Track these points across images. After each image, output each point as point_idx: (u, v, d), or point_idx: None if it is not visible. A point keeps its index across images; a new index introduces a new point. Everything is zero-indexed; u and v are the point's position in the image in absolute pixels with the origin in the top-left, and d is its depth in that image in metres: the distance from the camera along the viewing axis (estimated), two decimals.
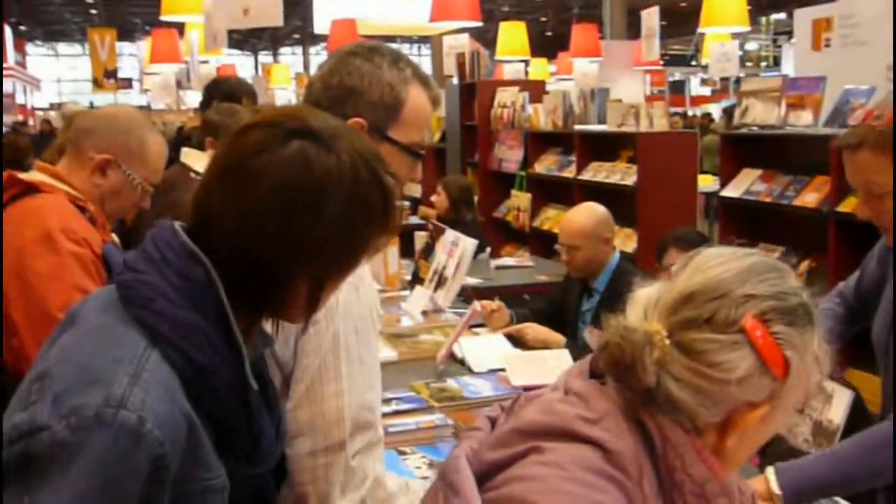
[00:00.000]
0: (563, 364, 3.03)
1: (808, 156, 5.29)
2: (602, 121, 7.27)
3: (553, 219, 7.46)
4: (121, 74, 25.98)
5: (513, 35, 14.09)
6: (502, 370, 3.01)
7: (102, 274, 2.15)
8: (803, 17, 7.29)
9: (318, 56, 34.78)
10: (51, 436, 1.04)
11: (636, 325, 1.19)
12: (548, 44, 24.26)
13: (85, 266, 2.09)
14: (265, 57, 33.44)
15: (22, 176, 2.24)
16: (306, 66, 30.31)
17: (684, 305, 1.19)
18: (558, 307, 3.98)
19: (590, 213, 3.82)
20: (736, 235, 5.73)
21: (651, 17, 9.83)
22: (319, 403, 1.51)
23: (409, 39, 34.13)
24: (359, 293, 1.54)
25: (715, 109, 15.49)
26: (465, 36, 11.85)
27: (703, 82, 25.94)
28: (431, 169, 10.29)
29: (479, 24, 9.15)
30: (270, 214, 1.16)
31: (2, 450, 1.06)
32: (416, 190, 9.96)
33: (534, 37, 15.04)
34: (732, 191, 5.63)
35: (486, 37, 13.21)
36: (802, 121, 5.30)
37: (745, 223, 5.71)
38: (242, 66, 24.50)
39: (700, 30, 12.03)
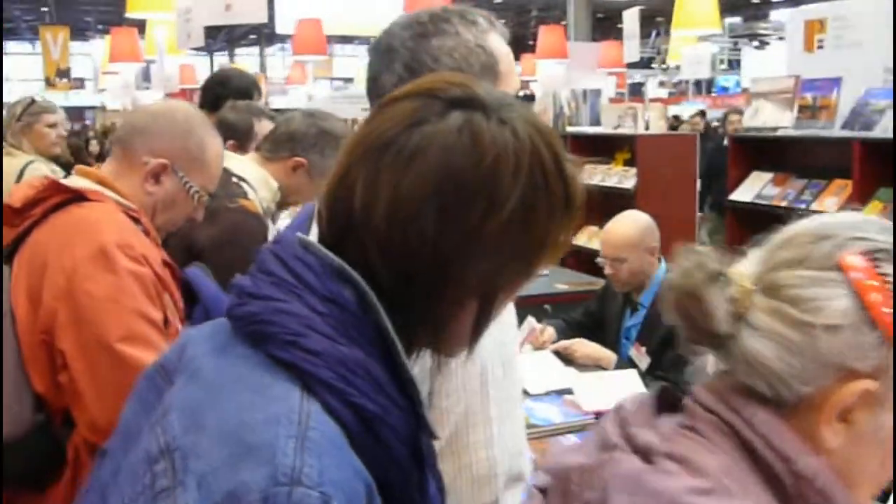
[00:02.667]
0: (633, 386, 2.80)
1: (823, 159, 5.14)
2: (595, 122, 7.08)
3: None
4: (73, 74, 25.33)
5: None
6: (565, 391, 2.77)
7: (164, 298, 1.85)
8: (795, 19, 7.17)
9: (274, 56, 34.35)
10: None
11: (714, 264, 0.94)
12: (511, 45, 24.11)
13: (146, 287, 1.80)
14: (220, 57, 32.86)
15: (64, 181, 1.93)
16: (263, 66, 29.85)
17: (780, 249, 0.97)
18: (596, 320, 3.74)
19: (634, 221, 3.56)
20: (746, 240, 5.56)
21: (632, 19, 9.66)
22: (466, 455, 1.27)
23: (367, 41, 33.87)
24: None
25: (678, 111, 15.43)
26: None
27: (661, 84, 26.06)
28: None
29: None
30: (432, 206, 0.88)
31: None
32: None
33: None
34: (743, 194, 5.46)
35: None
36: (816, 124, 5.14)
37: (756, 228, 5.52)
38: (198, 67, 23.96)
39: (673, 32, 11.93)
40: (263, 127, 3.06)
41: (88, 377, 1.73)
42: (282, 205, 2.82)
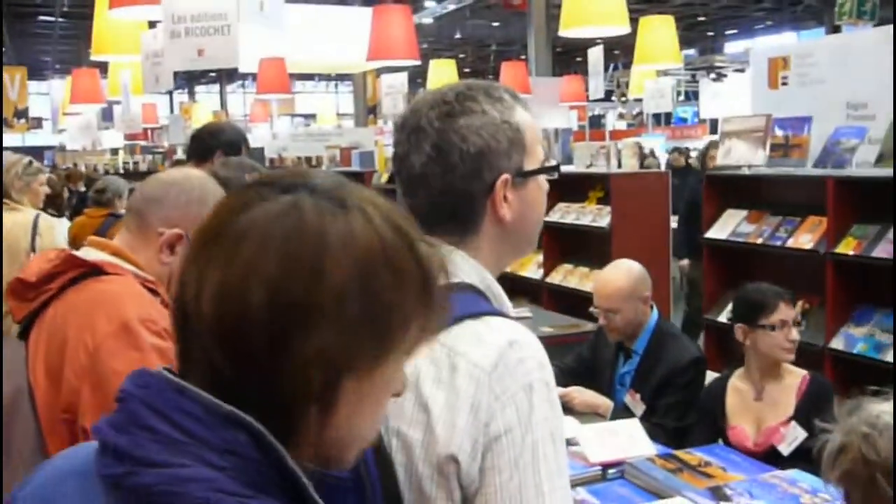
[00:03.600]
0: (637, 436, 2.81)
1: (796, 196, 5.22)
2: (567, 161, 7.15)
3: (523, 263, 7.27)
4: (31, 114, 25.07)
5: (443, 73, 13.97)
6: (568, 442, 2.77)
7: None
8: (759, 56, 7.31)
9: (235, 94, 34.30)
10: None
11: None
12: None
13: (169, 362, 1.77)
14: (180, 96, 32.73)
15: (81, 254, 1.91)
16: (223, 104, 29.72)
17: None
18: (589, 366, 3.75)
19: (627, 272, 3.55)
20: (722, 277, 5.63)
21: (597, 56, 9.79)
22: None
23: (327, 77, 33.97)
24: (549, 390, 1.29)
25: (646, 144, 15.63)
26: (404, 75, 11.72)
27: (621, 116, 26.35)
28: None
29: (418, 62, 8.95)
30: (258, 282, 0.84)
31: None
32: None
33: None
34: (718, 232, 5.53)
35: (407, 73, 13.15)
36: (789, 161, 5.23)
37: (730, 265, 5.61)
38: (159, 105, 23.85)
39: (635, 66, 12.08)
40: None
41: None
42: None
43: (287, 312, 0.84)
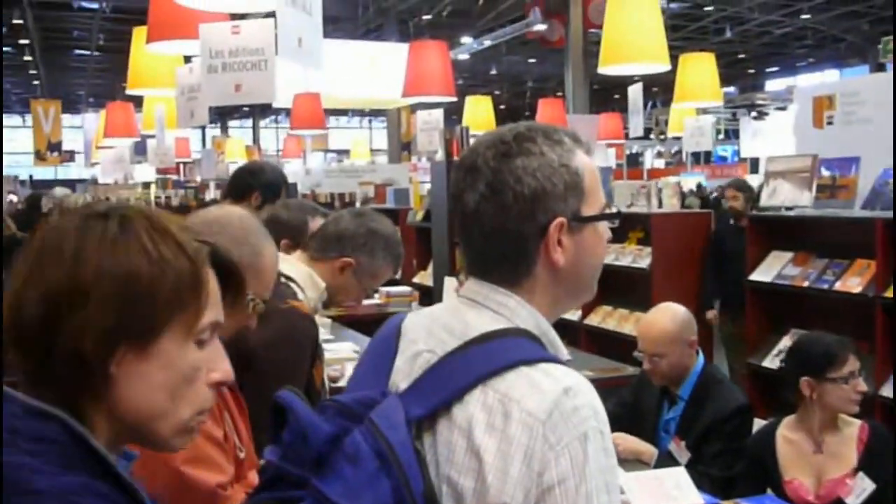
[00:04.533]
0: (684, 484, 2.76)
1: (844, 238, 5.17)
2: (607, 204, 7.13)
3: None
4: (63, 147, 25.52)
5: (479, 109, 14.03)
6: None
7: (223, 413, 1.83)
8: (803, 94, 7.27)
9: (268, 129, 34.67)
10: None
11: None
12: (504, 118, 24.44)
13: (213, 416, 1.78)
14: (213, 130, 33.13)
15: None
16: (255, 138, 30.07)
17: None
18: (632, 411, 3.71)
19: (673, 316, 3.51)
20: (767, 321, 5.56)
21: (636, 94, 9.79)
22: None
23: (360, 112, 34.24)
24: (604, 438, 1.27)
25: (682, 183, 15.58)
26: (440, 111, 11.78)
27: (659, 154, 26.31)
28: (416, 247, 10.07)
29: (453, 98, 9.02)
30: (32, 283, 1.06)
31: None
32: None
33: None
34: (762, 275, 5.48)
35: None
36: (836, 203, 5.18)
37: (775, 308, 5.55)
38: (192, 139, 24.14)
39: (674, 104, 12.06)
40: (316, 223, 3.07)
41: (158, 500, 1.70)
42: (327, 304, 2.82)
43: (55, 298, 1.04)
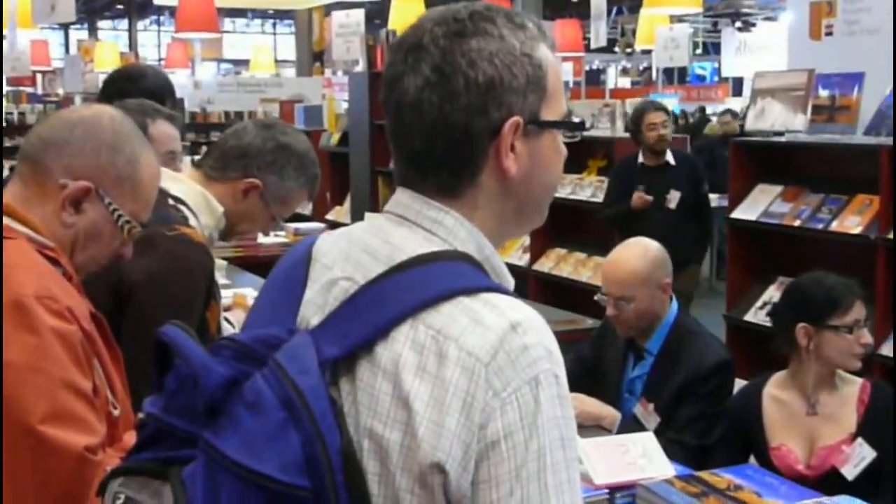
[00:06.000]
0: (651, 453, 2.80)
1: (844, 170, 5.25)
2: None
3: (505, 247, 7.27)
4: None
5: (409, 9, 13.86)
6: None
7: (93, 362, 1.79)
8: (798, 2, 7.34)
9: (148, 33, 33.98)
10: None
11: None
12: None
13: (73, 350, 1.74)
14: (78, 32, 32.35)
15: None
16: (132, 43, 29.44)
17: None
18: (591, 370, 3.74)
19: (644, 252, 3.53)
20: (750, 266, 5.65)
21: None
22: None
23: (262, 14, 33.72)
24: (559, 385, 1.27)
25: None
26: (361, 12, 11.65)
27: (624, 71, 26.44)
28: (330, 178, 10.02)
29: None
30: None
31: None
32: (305, 206, 9.67)
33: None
34: (747, 212, 5.55)
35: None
36: (835, 127, 5.25)
37: (760, 252, 5.63)
38: (52, 43, 23.58)
39: (644, 10, 12.11)
40: (160, 130, 3.00)
41: (6, 467, 1.67)
42: (227, 234, 2.78)
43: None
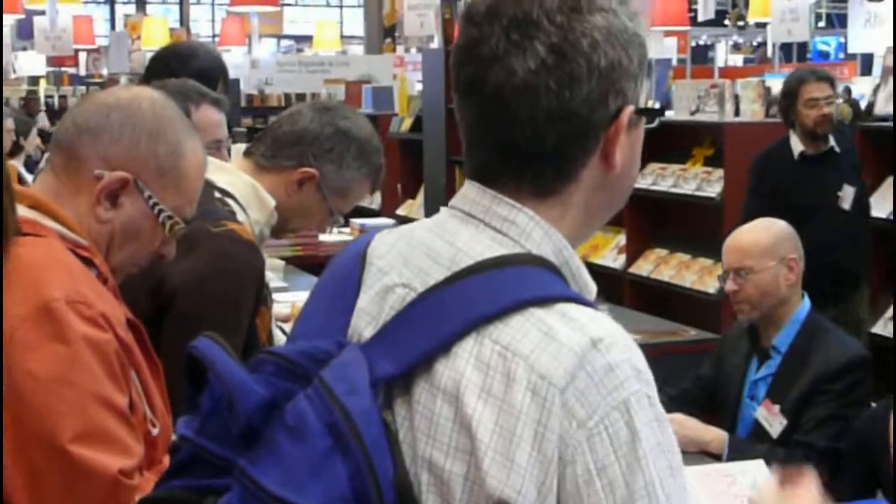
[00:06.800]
0: (760, 483, 2.77)
1: None
2: (663, 106, 7.09)
3: (598, 247, 7.24)
4: None
5: None
6: None
7: (129, 374, 1.80)
8: None
9: (200, 6, 34.39)
10: None
11: None
12: None
13: (108, 361, 1.75)
14: (125, 7, 32.91)
15: None
16: (184, 18, 29.81)
17: None
18: (708, 387, 3.76)
19: (768, 225, 3.72)
20: (886, 271, 5.54)
21: None
22: None
23: None
24: (653, 406, 1.24)
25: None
26: None
27: (736, 48, 26.13)
28: (401, 168, 10.06)
29: None
30: None
31: None
32: (373, 200, 9.71)
33: None
34: (877, 209, 5.47)
35: None
36: None
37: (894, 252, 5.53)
38: (97, 20, 23.99)
39: None
40: (204, 115, 3.02)
41: (31, 490, 1.69)
42: (280, 231, 2.79)
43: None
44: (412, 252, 1.34)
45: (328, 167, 2.70)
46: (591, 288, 1.36)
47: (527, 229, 1.30)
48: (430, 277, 1.29)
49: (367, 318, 1.32)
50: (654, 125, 1.41)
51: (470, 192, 1.35)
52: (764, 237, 3.63)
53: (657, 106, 1.45)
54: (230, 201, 2.60)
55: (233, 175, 2.67)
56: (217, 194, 2.56)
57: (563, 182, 1.32)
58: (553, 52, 1.28)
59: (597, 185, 1.34)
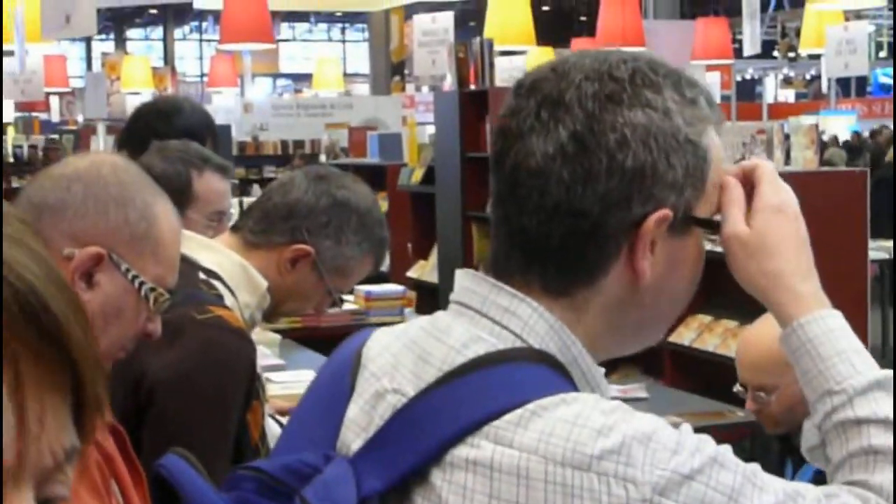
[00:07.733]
0: None
1: None
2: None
3: None
4: None
5: (510, 11, 13.90)
6: None
7: (109, 486, 1.81)
8: None
9: (186, 42, 34.64)
10: None
11: None
12: (549, 26, 24.40)
13: (87, 475, 1.76)
14: (104, 44, 33.14)
15: None
16: (168, 57, 30.01)
17: None
18: None
19: None
20: None
21: None
22: None
23: (328, 18, 34.13)
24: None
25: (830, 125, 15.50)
26: (449, 16, 11.72)
27: (787, 82, 26.16)
28: (412, 225, 10.06)
29: None
30: None
31: None
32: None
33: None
34: None
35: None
36: None
37: None
38: (71, 59, 24.15)
39: (810, 5, 12.06)
40: (208, 184, 3.03)
41: None
42: (272, 314, 2.80)
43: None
44: (405, 353, 1.36)
45: (325, 243, 2.70)
46: (604, 389, 1.37)
47: (529, 322, 1.32)
48: (422, 379, 1.31)
49: (356, 430, 1.34)
50: (715, 240, 1.43)
51: (465, 281, 1.37)
52: (778, 346, 3.30)
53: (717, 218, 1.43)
54: (217, 283, 2.60)
55: (219, 253, 2.68)
56: (202, 275, 2.57)
57: (574, 284, 1.33)
58: (574, 140, 1.30)
59: (624, 296, 1.35)
